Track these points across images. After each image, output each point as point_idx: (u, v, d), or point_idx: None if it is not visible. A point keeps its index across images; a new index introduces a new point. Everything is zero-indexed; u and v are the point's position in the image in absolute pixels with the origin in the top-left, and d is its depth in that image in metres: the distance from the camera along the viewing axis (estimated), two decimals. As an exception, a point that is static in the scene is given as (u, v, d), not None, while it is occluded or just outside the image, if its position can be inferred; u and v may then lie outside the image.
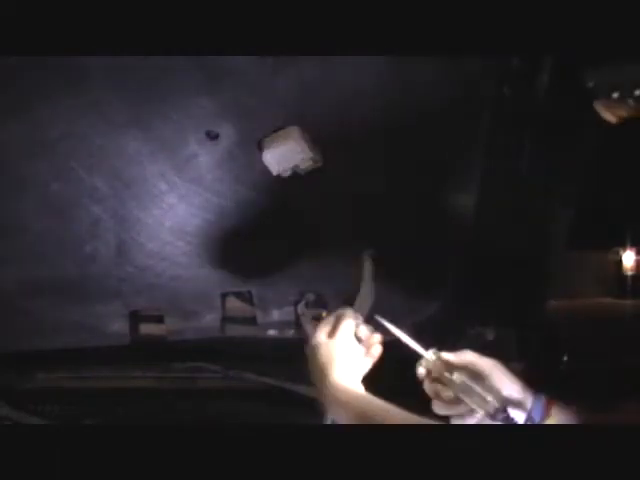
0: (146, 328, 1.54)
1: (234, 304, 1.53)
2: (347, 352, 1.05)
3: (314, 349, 1.06)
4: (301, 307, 1.48)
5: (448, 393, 1.00)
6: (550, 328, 1.52)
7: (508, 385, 0.97)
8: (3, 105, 1.13)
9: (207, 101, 1.16)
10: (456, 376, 0.99)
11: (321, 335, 1.08)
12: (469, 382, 0.98)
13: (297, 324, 1.51)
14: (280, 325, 1.54)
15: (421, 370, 1.04)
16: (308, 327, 1.36)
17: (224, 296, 1.51)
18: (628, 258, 1.55)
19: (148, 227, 1.33)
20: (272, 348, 1.57)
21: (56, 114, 1.15)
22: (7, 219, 1.30)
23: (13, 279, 1.39)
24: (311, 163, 1.22)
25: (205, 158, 1.24)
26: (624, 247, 1.57)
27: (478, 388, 0.97)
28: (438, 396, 1.01)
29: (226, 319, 1.53)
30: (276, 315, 1.53)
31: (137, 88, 1.13)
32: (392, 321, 1.11)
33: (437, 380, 1.02)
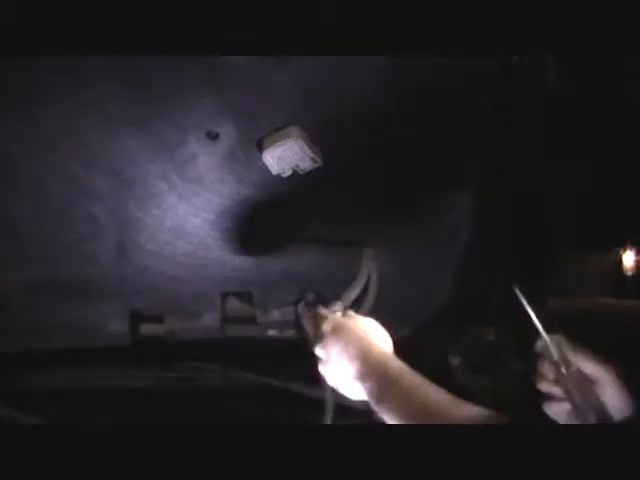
0: (146, 328, 1.54)
1: (234, 304, 1.53)
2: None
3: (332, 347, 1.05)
4: (301, 307, 1.48)
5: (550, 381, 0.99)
6: (550, 328, 1.52)
7: (617, 399, 0.95)
8: (3, 105, 1.13)
9: (207, 101, 1.16)
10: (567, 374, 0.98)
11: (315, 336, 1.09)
12: (581, 386, 0.96)
13: (297, 324, 1.51)
14: (280, 325, 1.54)
15: (538, 349, 1.04)
16: (308, 327, 1.36)
17: (224, 296, 1.51)
18: (628, 258, 1.55)
19: (148, 227, 1.33)
20: (272, 348, 1.57)
21: (56, 114, 1.15)
22: (7, 219, 1.29)
23: (13, 279, 1.39)
24: (311, 163, 1.22)
25: (205, 158, 1.23)
26: (624, 247, 1.57)
27: (589, 394, 0.95)
28: (544, 377, 1.01)
29: (226, 319, 1.53)
30: (276, 315, 1.54)
31: (137, 88, 1.13)
32: (392, 321, 1.12)
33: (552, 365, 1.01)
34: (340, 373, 1.04)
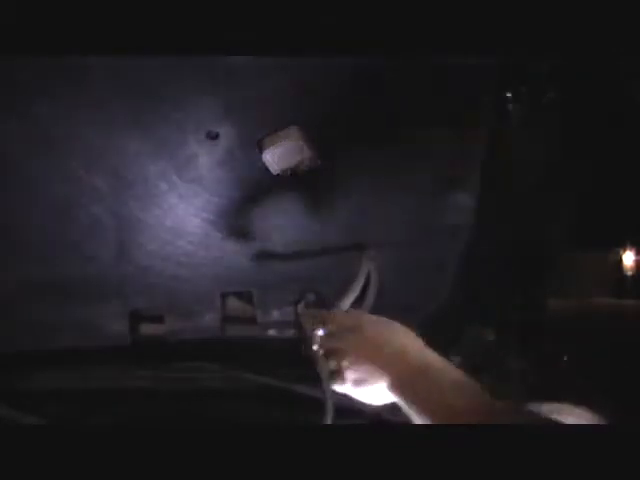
0: (146, 328, 1.54)
1: (234, 304, 1.53)
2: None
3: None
4: (301, 307, 1.48)
5: None
6: (550, 328, 1.52)
7: None
8: (3, 105, 1.13)
9: (207, 101, 1.16)
10: None
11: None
12: None
13: (297, 324, 1.51)
14: (280, 325, 1.54)
15: None
16: (308, 327, 1.36)
17: (224, 296, 1.51)
18: (628, 258, 1.55)
19: (148, 227, 1.33)
20: (272, 348, 1.57)
21: (56, 114, 1.15)
22: (7, 219, 1.29)
23: (13, 279, 1.39)
24: (311, 163, 1.22)
25: (205, 158, 1.24)
26: (624, 247, 1.57)
27: None
28: None
29: (226, 319, 1.53)
30: (276, 315, 1.53)
31: (137, 88, 1.13)
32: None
33: None
34: (360, 367, 1.01)
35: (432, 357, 0.97)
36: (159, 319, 1.53)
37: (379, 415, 1.35)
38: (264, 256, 1.41)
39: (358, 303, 1.32)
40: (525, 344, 1.49)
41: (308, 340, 1.17)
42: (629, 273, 1.55)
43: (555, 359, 1.51)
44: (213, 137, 1.20)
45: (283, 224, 1.36)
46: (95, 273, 1.39)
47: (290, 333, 1.54)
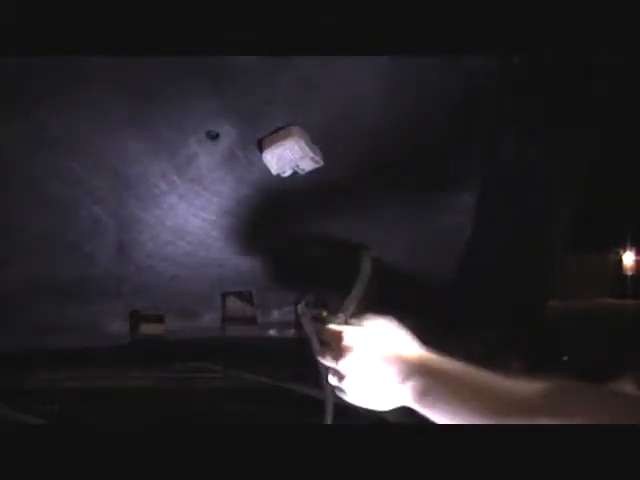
0: (146, 328, 1.54)
1: (234, 304, 1.53)
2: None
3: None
4: (301, 307, 1.48)
5: None
6: (550, 328, 1.52)
7: None
8: (3, 105, 1.13)
9: (207, 101, 1.16)
10: None
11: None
12: None
13: (297, 324, 1.51)
14: (280, 325, 1.54)
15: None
16: (308, 327, 1.36)
17: (224, 296, 1.51)
18: (628, 258, 1.55)
19: (148, 227, 1.33)
20: (272, 348, 1.57)
21: (56, 114, 1.15)
22: (7, 219, 1.30)
23: (13, 279, 1.39)
24: (311, 163, 1.22)
25: (205, 158, 1.23)
26: (624, 247, 1.57)
27: None
28: None
29: (226, 319, 1.53)
30: (276, 315, 1.54)
31: (137, 88, 1.13)
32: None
33: None
34: (376, 381, 1.02)
35: (443, 361, 1.00)
36: (159, 319, 1.53)
37: (379, 415, 1.36)
38: (264, 256, 1.41)
39: (358, 303, 1.32)
40: (525, 344, 1.49)
41: (308, 340, 1.17)
42: (629, 273, 1.55)
43: (555, 359, 1.51)
44: (213, 137, 1.20)
45: (284, 224, 1.36)
46: (95, 273, 1.39)
47: (290, 333, 1.54)
